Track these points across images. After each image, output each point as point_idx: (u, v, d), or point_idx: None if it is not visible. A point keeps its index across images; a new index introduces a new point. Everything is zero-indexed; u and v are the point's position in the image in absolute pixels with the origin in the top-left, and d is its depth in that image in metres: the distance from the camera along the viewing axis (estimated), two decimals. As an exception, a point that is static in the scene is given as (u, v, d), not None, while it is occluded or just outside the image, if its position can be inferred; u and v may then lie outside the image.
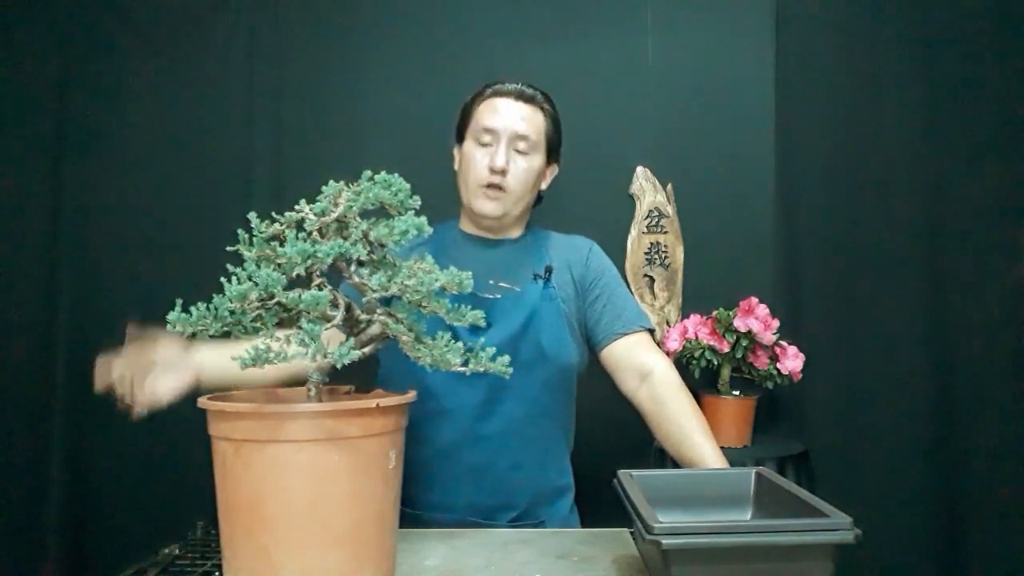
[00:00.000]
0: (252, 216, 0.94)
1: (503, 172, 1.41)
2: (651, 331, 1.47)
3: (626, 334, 1.43)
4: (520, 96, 1.45)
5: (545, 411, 1.40)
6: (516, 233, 1.51)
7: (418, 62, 2.06)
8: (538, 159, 1.46)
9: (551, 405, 1.42)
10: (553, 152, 1.51)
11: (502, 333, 1.32)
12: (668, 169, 2.06)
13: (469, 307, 0.98)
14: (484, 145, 1.43)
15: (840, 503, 0.89)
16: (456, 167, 1.51)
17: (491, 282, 1.40)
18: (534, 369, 1.35)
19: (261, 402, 0.95)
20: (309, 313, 0.91)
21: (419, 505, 1.36)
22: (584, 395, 1.51)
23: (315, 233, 0.94)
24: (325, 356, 0.90)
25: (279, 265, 0.92)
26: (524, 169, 1.44)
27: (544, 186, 1.52)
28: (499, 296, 1.38)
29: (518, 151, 1.43)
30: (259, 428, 0.87)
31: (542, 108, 1.47)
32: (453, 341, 0.97)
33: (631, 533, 1.16)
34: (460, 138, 1.50)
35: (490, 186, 1.42)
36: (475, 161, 1.44)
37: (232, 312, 0.90)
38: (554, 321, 1.40)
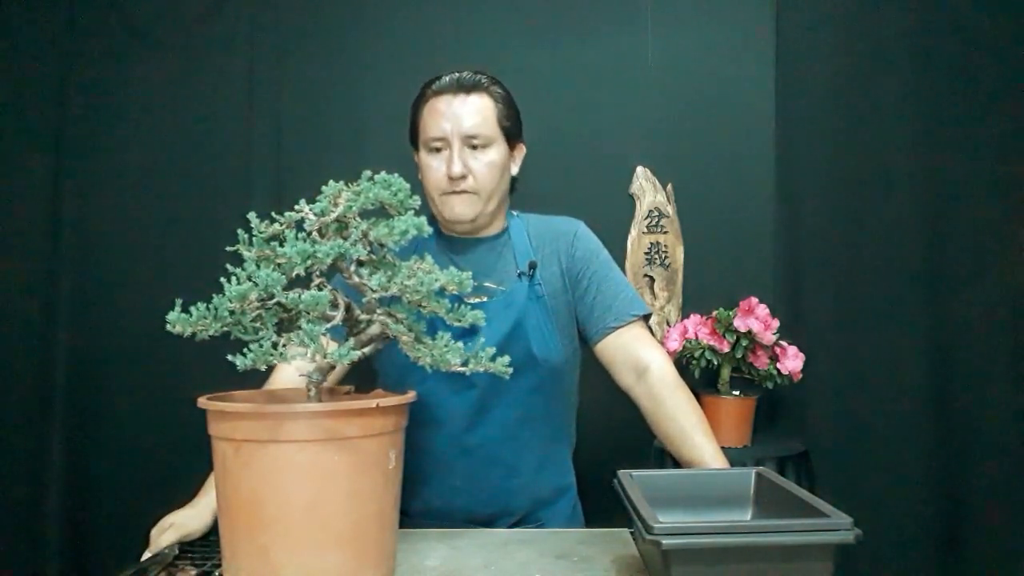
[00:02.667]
0: (252, 216, 0.94)
1: (462, 177, 1.34)
2: (647, 316, 1.42)
3: (618, 327, 1.38)
4: (460, 87, 1.35)
5: (539, 414, 1.37)
6: (497, 228, 1.44)
7: (418, 62, 2.04)
8: (498, 150, 1.37)
9: (545, 408, 1.38)
10: (514, 134, 1.40)
11: (492, 338, 1.24)
12: (668, 169, 2.06)
13: (470, 308, 0.98)
14: (437, 151, 1.36)
15: (840, 503, 0.89)
16: (419, 176, 1.42)
17: (476, 283, 1.34)
18: (524, 373, 1.29)
19: (261, 402, 0.95)
20: (309, 313, 0.91)
21: (416, 513, 1.35)
22: (584, 394, 1.50)
23: (315, 233, 0.94)
24: (324, 356, 0.90)
25: (279, 265, 0.92)
26: (485, 164, 1.35)
27: (515, 170, 1.44)
28: (486, 299, 1.33)
29: (473, 148, 1.35)
30: (259, 428, 0.87)
31: (488, 91, 1.36)
32: (453, 342, 0.96)
33: (631, 533, 1.16)
34: (415, 145, 1.42)
35: (453, 192, 1.35)
36: (432, 170, 1.36)
37: (232, 312, 0.90)
38: (542, 322, 1.36)
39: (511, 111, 1.40)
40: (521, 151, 1.46)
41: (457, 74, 1.36)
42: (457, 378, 1.26)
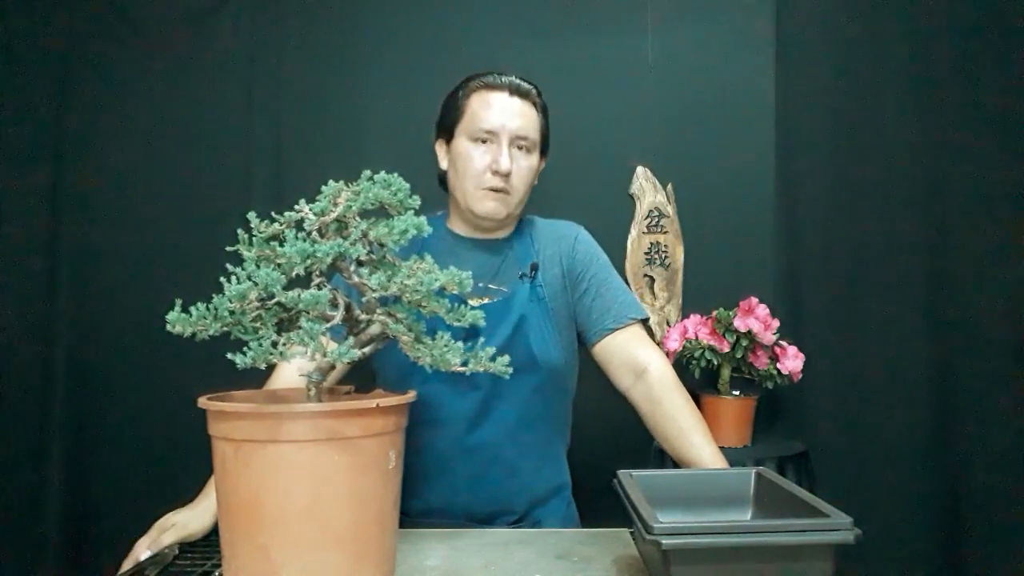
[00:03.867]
0: (252, 216, 0.94)
1: (508, 174, 1.35)
2: (644, 320, 1.43)
3: (616, 329, 1.39)
4: (516, 91, 1.38)
5: (539, 415, 1.38)
6: (508, 231, 1.45)
7: (418, 62, 2.06)
8: (536, 156, 1.42)
9: (544, 409, 1.39)
10: (545, 148, 1.45)
11: (493, 340, 1.25)
12: (668, 169, 2.06)
13: (470, 308, 0.98)
14: (483, 142, 1.37)
15: (840, 503, 0.89)
16: (443, 165, 1.44)
17: (480, 285, 1.35)
18: (525, 374, 1.29)
19: (261, 402, 0.94)
20: (309, 313, 0.90)
21: (416, 513, 1.35)
22: (583, 394, 1.50)
23: (315, 233, 0.94)
24: (324, 356, 0.90)
25: (279, 265, 0.92)
26: (526, 168, 1.39)
27: (535, 181, 1.47)
28: (488, 300, 1.34)
29: (519, 149, 1.38)
30: (259, 428, 0.87)
31: (534, 103, 1.41)
32: (453, 342, 0.96)
33: (631, 533, 1.16)
34: (447, 134, 1.42)
35: (493, 189, 1.36)
36: (474, 161, 1.36)
37: (232, 312, 0.90)
38: (542, 324, 1.37)
39: (547, 125, 1.44)
40: (542, 165, 1.48)
41: (511, 77, 1.39)
42: (460, 380, 1.26)
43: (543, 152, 1.46)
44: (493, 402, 1.34)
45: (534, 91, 1.41)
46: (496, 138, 1.36)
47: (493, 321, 1.29)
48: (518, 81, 1.39)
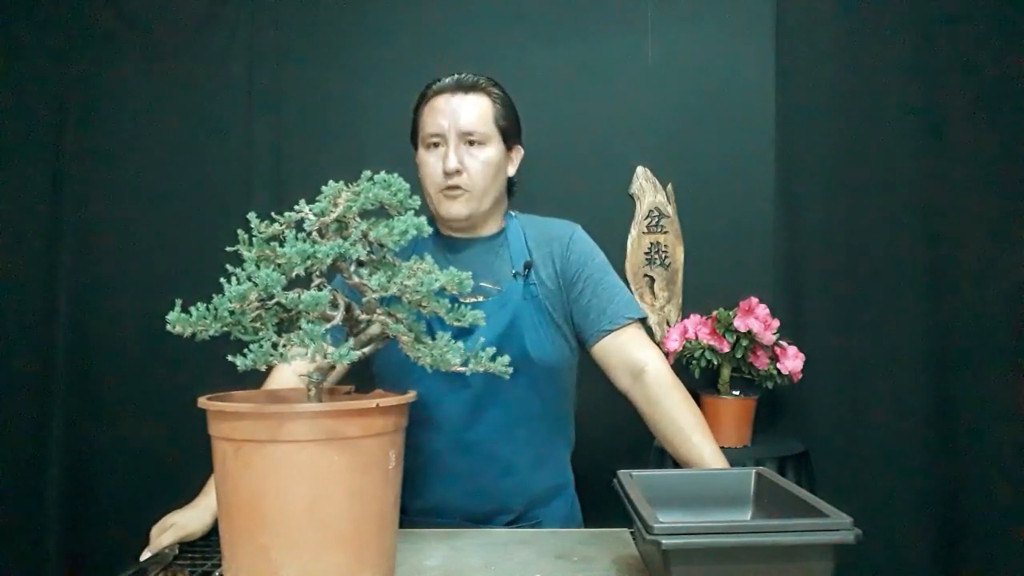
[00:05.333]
0: (252, 216, 0.94)
1: (458, 172, 1.35)
2: (642, 319, 1.42)
3: (613, 330, 1.38)
4: (459, 87, 1.38)
5: (534, 413, 1.38)
6: (494, 228, 1.45)
7: (417, 62, 2.05)
8: (494, 148, 1.39)
9: (540, 407, 1.38)
10: (511, 135, 1.43)
11: (487, 337, 1.21)
12: (668, 169, 2.06)
13: (469, 307, 0.98)
14: (435, 146, 1.38)
15: (840, 503, 0.89)
16: (419, 175, 1.44)
17: (473, 283, 1.36)
18: (520, 372, 1.25)
19: (261, 402, 0.95)
20: (309, 313, 0.90)
21: (414, 512, 1.35)
22: (584, 394, 1.50)
23: (315, 233, 0.94)
24: (325, 356, 0.90)
25: (279, 265, 0.92)
26: (481, 162, 1.37)
27: (512, 171, 1.45)
28: (481, 298, 1.34)
29: (470, 144, 1.37)
30: (259, 428, 0.87)
31: (487, 92, 1.39)
32: (453, 342, 0.96)
33: (631, 533, 1.16)
34: (415, 147, 1.44)
35: (449, 188, 1.36)
36: (428, 167, 1.38)
37: (232, 312, 0.90)
38: (537, 321, 1.37)
39: (509, 112, 1.42)
40: (519, 153, 1.47)
41: (457, 75, 1.39)
42: (453, 378, 1.26)
43: (510, 140, 1.43)
44: (486, 400, 1.34)
45: (482, 81, 1.40)
46: (443, 140, 1.37)
47: (486, 319, 1.28)
48: (465, 76, 1.39)
